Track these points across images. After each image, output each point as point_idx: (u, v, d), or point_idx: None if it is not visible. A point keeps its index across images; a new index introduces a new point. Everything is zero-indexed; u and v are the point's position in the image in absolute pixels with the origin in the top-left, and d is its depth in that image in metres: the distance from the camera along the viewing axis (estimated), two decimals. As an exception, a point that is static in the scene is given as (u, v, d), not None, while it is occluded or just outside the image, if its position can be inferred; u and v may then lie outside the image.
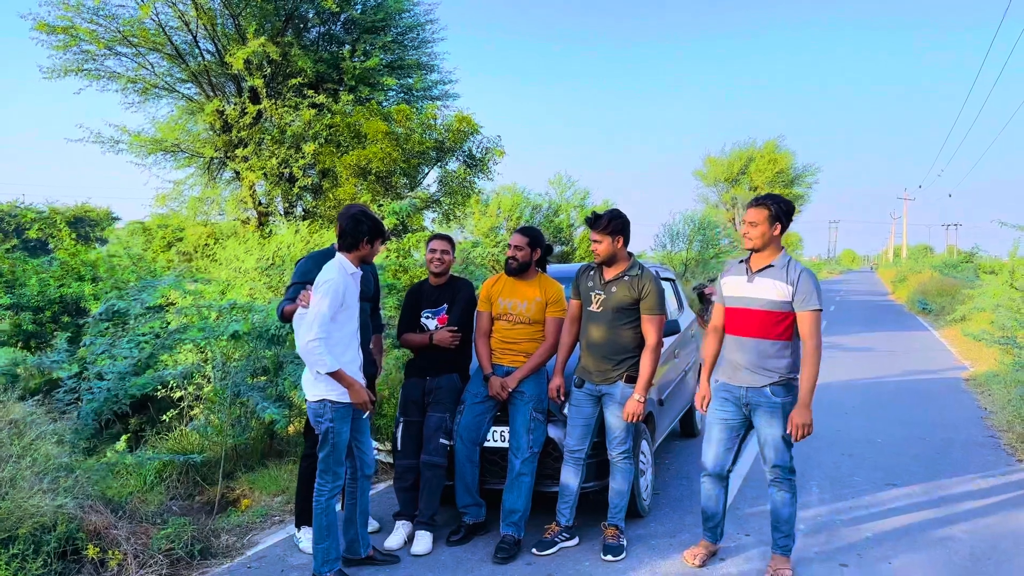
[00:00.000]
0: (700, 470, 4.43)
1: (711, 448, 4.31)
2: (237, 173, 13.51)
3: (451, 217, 13.65)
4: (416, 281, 6.46)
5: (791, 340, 4.05)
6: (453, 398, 4.87)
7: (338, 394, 4.01)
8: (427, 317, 5.02)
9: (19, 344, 8.45)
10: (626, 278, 4.53)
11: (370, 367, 4.91)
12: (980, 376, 11.10)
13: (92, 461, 4.66)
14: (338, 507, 4.29)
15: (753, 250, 4.10)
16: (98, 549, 4.08)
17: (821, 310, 3.97)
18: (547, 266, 5.19)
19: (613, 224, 4.48)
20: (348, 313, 4.03)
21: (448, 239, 5.06)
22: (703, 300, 19.24)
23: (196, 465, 6.06)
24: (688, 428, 7.53)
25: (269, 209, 13.70)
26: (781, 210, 4.01)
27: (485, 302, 5.00)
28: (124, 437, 6.75)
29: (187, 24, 12.74)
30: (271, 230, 12.03)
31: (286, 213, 13.70)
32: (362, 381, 4.20)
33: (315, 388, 4.02)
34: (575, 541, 4.72)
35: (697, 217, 27.49)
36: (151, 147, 13.47)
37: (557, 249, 28.16)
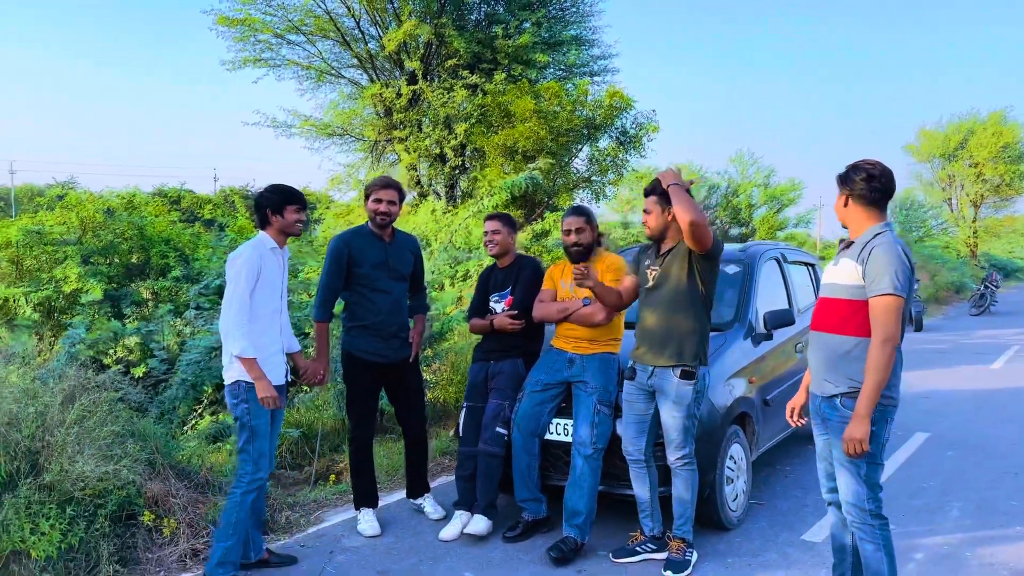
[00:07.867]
0: None
1: (820, 474, 3.49)
2: (398, 155, 13.92)
3: (601, 196, 13.23)
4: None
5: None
6: (514, 384, 4.59)
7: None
8: (495, 301, 4.84)
9: (179, 315, 9.15)
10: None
11: (404, 349, 4.71)
12: None
13: (160, 428, 4.81)
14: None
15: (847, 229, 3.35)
16: (154, 516, 4.21)
17: (897, 296, 2.99)
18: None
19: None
20: (267, 292, 3.87)
21: (501, 218, 4.78)
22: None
23: (307, 436, 6.21)
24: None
25: (426, 191, 13.98)
26: (850, 178, 3.20)
27: (549, 282, 4.68)
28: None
29: (349, 9, 13.22)
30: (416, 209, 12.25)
31: (444, 194, 13.92)
32: (281, 366, 4.01)
33: (229, 370, 3.85)
34: (665, 554, 4.16)
35: (899, 196, 25.01)
36: (319, 130, 14.16)
37: (736, 231, 26.65)
